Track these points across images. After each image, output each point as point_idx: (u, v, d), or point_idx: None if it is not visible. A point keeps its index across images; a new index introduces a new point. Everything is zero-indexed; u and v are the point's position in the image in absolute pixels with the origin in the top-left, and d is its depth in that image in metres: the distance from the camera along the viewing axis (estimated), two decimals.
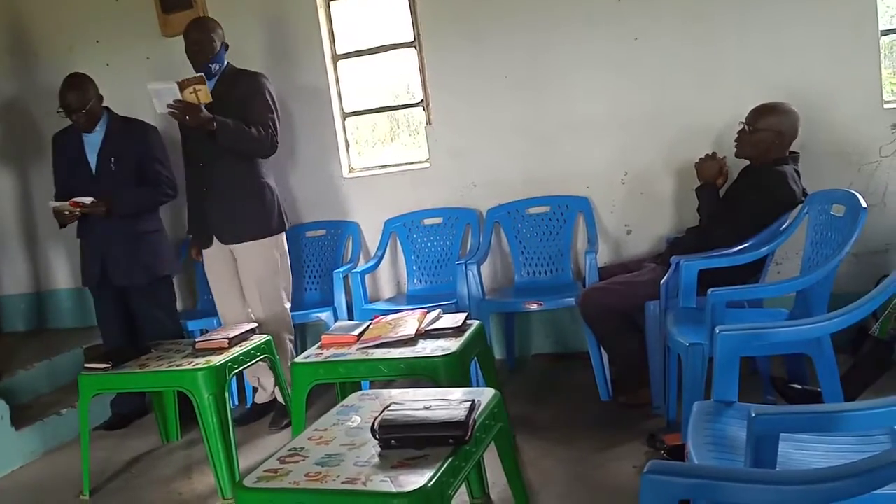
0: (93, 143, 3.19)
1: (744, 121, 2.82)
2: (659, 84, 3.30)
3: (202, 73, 2.89)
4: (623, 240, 3.47)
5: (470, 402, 1.73)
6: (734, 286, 2.40)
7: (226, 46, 3.08)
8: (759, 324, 2.02)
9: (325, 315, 3.45)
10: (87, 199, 3.05)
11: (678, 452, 2.23)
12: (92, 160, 3.18)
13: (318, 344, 2.51)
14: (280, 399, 3.15)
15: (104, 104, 3.23)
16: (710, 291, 2.25)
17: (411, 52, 3.66)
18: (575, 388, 3.13)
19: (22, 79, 4.15)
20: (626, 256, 3.41)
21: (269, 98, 3.03)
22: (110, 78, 3.55)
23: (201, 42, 2.98)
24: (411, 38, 3.62)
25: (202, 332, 3.35)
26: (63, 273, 4.28)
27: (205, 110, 2.85)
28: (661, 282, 2.67)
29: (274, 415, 3.19)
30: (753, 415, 1.31)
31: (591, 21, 3.33)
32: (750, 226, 2.69)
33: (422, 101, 3.66)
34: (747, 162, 2.88)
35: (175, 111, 2.81)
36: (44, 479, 2.95)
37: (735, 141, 2.84)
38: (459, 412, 1.67)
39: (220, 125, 2.87)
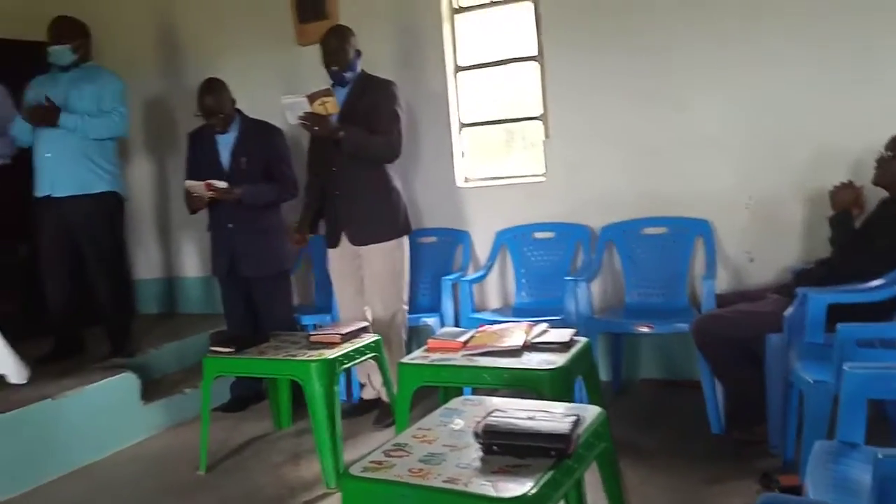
0: (226, 143, 3.39)
1: (883, 148, 2.64)
2: (789, 106, 3.15)
3: (330, 87, 3.07)
4: (744, 267, 3.32)
5: (574, 417, 1.71)
6: (866, 323, 2.25)
7: (358, 54, 3.23)
8: (891, 363, 1.89)
9: (431, 320, 3.52)
10: (222, 184, 3.23)
11: (794, 495, 2.11)
12: (224, 159, 3.39)
13: (425, 347, 2.57)
14: (385, 398, 3.24)
15: (236, 106, 3.43)
16: (839, 326, 2.12)
17: (530, 66, 3.68)
18: (684, 418, 3.02)
19: (168, 80, 4.50)
20: (747, 285, 3.26)
21: (397, 108, 3.15)
22: (247, 82, 3.78)
23: (337, 51, 3.15)
24: (535, 52, 3.65)
25: (315, 327, 3.51)
26: (192, 262, 4.60)
27: (332, 121, 3.02)
28: (786, 314, 2.53)
29: (378, 413, 3.28)
30: (881, 456, 1.23)
31: (718, 39, 3.23)
32: (886, 260, 2.50)
33: (541, 114, 3.68)
34: (886, 193, 2.70)
35: (306, 122, 3.02)
36: (166, 452, 3.18)
37: (875, 168, 2.67)
38: (563, 425, 1.66)
39: (346, 135, 3.03)
